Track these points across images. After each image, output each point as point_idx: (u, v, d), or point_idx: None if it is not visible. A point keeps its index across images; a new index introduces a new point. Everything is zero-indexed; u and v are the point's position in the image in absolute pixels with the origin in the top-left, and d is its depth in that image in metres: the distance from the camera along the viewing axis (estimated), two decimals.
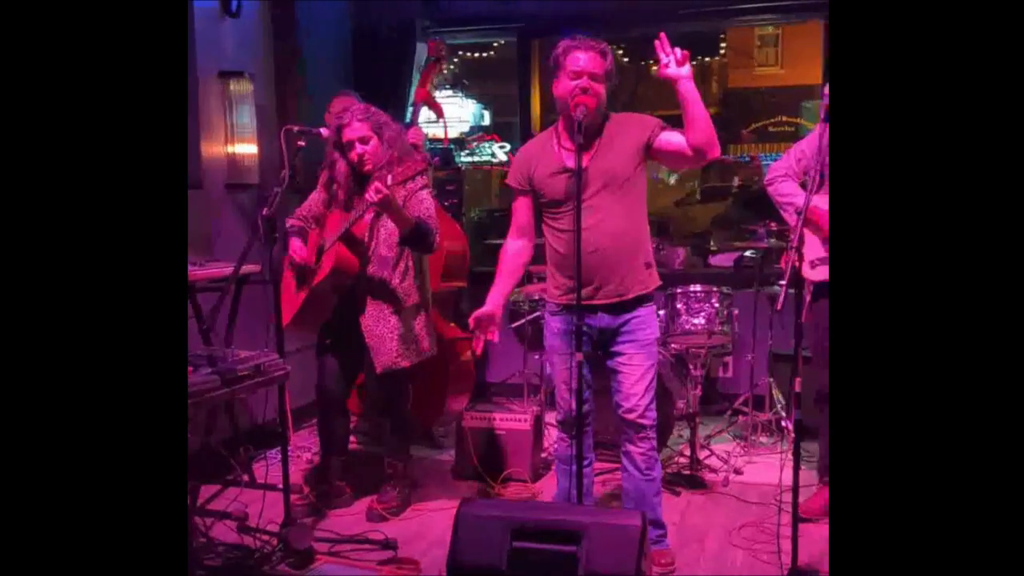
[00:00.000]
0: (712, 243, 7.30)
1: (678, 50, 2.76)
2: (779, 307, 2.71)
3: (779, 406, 4.44)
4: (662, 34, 2.76)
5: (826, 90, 3.03)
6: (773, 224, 4.43)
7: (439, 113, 4.75)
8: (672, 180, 11.27)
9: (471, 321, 3.04)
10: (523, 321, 4.48)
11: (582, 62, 2.90)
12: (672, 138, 2.94)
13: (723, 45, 12.11)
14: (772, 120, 12.65)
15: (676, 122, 3.06)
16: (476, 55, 8.29)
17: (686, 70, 2.76)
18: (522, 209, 3.16)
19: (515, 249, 3.18)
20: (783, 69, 12.73)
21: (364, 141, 3.45)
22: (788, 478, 2.84)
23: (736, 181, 11.48)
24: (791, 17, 5.60)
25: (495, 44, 8.25)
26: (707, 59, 12.10)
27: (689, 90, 2.79)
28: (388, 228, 3.51)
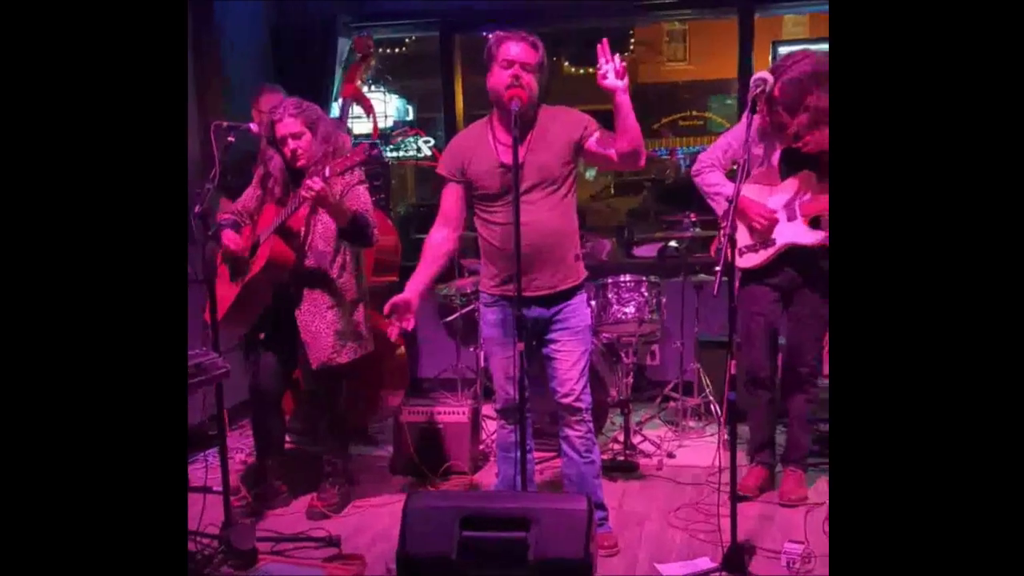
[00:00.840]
0: (631, 234, 7.44)
1: (617, 59, 2.80)
2: (715, 293, 2.81)
3: (708, 391, 4.57)
4: (604, 41, 2.81)
5: (751, 81, 3.15)
6: (694, 215, 4.55)
7: (369, 109, 4.73)
8: (588, 174, 11.42)
9: (386, 308, 3.01)
10: (456, 316, 4.49)
11: (514, 52, 2.94)
12: (601, 144, 3.01)
13: (632, 41, 12.30)
14: (682, 115, 12.91)
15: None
16: (394, 50, 8.25)
17: (623, 83, 2.81)
18: (451, 198, 3.15)
19: (439, 239, 3.17)
20: (691, 64, 13.00)
21: (297, 136, 3.41)
22: (721, 459, 2.93)
23: (651, 175, 11.69)
24: (705, 12, 5.72)
25: (406, 40, 8.21)
26: (617, 55, 12.21)
27: (624, 102, 2.85)
28: (324, 222, 3.48)
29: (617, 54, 2.81)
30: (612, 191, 11.43)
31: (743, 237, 3.54)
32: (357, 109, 4.82)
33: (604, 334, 4.26)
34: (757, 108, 3.20)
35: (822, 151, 3.36)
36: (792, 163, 3.49)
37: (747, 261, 3.55)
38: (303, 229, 3.51)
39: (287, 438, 4.01)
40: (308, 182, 3.16)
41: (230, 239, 3.47)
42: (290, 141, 3.41)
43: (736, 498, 2.91)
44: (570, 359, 3.10)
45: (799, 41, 6.74)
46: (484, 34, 6.24)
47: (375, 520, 3.56)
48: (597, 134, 3.03)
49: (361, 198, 3.47)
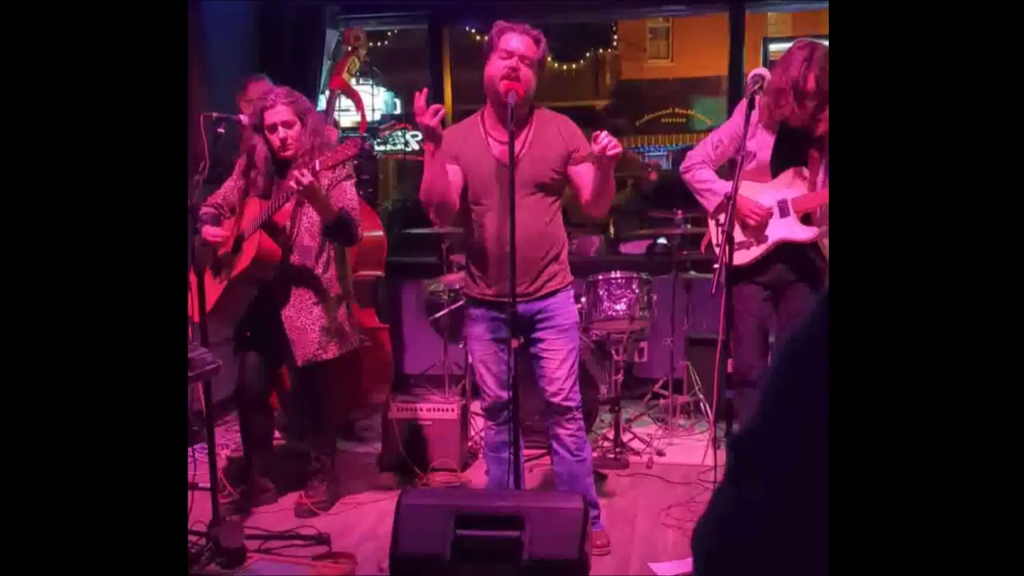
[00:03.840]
0: (614, 231, 7.43)
1: (613, 140, 2.77)
2: (714, 291, 2.80)
3: (697, 388, 4.56)
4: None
5: (749, 77, 3.13)
6: (680, 212, 4.53)
7: (358, 102, 4.67)
8: None
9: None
10: (443, 312, 4.45)
11: (515, 44, 2.90)
12: (582, 175, 2.99)
13: (615, 38, 12.32)
14: (664, 112, 12.93)
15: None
16: (384, 42, 8.21)
17: (616, 151, 2.77)
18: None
19: None
20: (673, 61, 13.04)
21: (288, 125, 3.36)
22: (713, 457, 2.92)
23: (634, 172, 11.73)
24: (694, 8, 5.70)
25: (389, 32, 8.15)
26: (600, 51, 12.25)
27: (607, 170, 2.83)
28: (311, 216, 3.43)
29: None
30: None
31: (736, 234, 3.52)
32: (345, 102, 4.77)
33: (594, 331, 4.23)
34: (755, 103, 3.17)
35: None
36: (783, 159, 3.47)
37: (740, 258, 3.52)
38: (288, 224, 3.45)
39: (276, 434, 3.97)
40: (297, 174, 3.11)
41: (210, 234, 3.41)
42: (280, 129, 3.35)
43: None
44: (558, 357, 3.07)
45: (786, 38, 6.76)
46: (470, 29, 6.23)
47: (363, 518, 3.52)
48: (585, 165, 2.99)
49: (348, 194, 3.42)
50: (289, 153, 3.37)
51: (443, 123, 4.97)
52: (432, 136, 2.77)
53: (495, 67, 2.90)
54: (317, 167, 3.12)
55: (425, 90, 2.70)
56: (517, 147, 2.94)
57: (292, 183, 3.12)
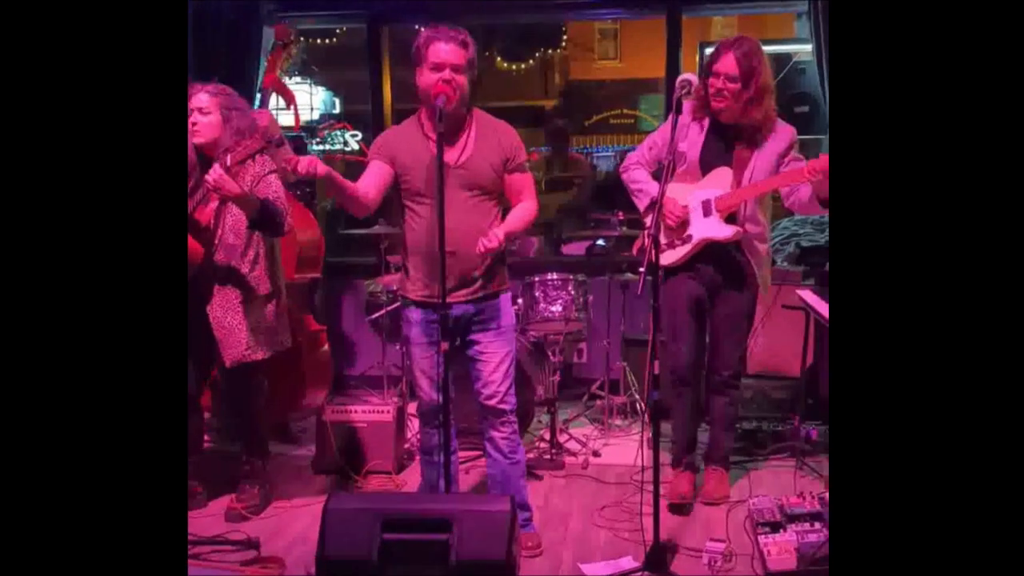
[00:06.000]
0: (559, 232, 7.45)
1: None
2: (640, 293, 2.81)
3: (633, 389, 4.59)
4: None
5: (677, 83, 3.15)
6: (621, 214, 4.57)
7: (290, 100, 4.61)
8: None
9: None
10: (382, 312, 4.43)
11: (443, 53, 2.89)
12: (513, 185, 3.05)
13: (564, 38, 12.32)
14: (612, 112, 12.98)
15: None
16: (324, 41, 8.14)
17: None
18: (372, 171, 3.00)
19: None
20: (622, 63, 13.07)
21: (203, 112, 3.30)
22: (644, 458, 2.94)
23: (579, 173, 11.77)
24: (634, 12, 5.75)
25: (337, 30, 8.09)
26: (549, 51, 12.28)
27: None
28: (235, 214, 3.37)
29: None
30: (543, 187, 11.45)
31: (661, 235, 3.54)
32: (281, 101, 4.71)
33: (531, 332, 4.24)
34: (682, 108, 3.21)
35: (752, 125, 3.42)
36: (712, 159, 3.51)
37: (667, 258, 3.55)
38: (212, 222, 3.40)
39: (206, 437, 3.91)
40: (215, 166, 3.07)
41: None
42: (194, 113, 3.30)
43: (658, 496, 2.92)
44: (494, 360, 3.08)
45: None
46: (415, 27, 6.19)
47: (296, 522, 3.49)
48: (518, 175, 3.05)
49: (272, 186, 3.36)
50: (197, 140, 3.31)
51: (382, 124, 4.97)
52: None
53: (427, 79, 2.90)
54: (228, 163, 3.08)
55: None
56: (459, 150, 2.97)
57: (207, 178, 3.08)
